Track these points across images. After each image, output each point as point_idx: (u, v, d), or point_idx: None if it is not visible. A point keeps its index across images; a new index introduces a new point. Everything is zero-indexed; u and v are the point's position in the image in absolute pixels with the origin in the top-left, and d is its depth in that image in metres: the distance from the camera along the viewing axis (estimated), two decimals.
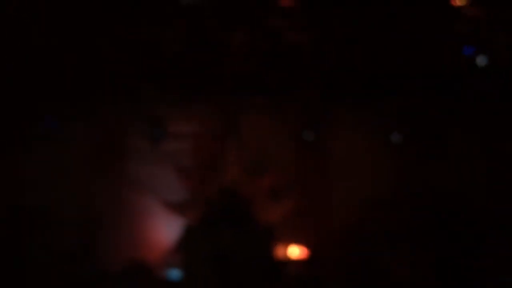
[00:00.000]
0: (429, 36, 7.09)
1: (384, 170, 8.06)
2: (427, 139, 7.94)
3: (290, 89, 7.73)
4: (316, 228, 7.91)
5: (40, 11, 7.15)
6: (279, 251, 7.56)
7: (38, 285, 7.68)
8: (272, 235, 7.45)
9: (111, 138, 8.15)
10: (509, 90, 7.50)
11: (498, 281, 7.30)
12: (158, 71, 7.74)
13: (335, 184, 8.11)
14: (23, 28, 7.20)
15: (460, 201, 7.95)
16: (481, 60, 6.89)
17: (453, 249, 7.65)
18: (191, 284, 7.35)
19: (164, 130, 7.90)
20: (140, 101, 7.90)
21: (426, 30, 7.06)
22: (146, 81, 7.79)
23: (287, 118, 7.99)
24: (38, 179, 8.03)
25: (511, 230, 7.56)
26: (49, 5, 7.05)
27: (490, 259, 7.47)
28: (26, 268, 7.79)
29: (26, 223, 7.95)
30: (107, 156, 8.10)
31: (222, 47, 7.55)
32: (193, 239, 7.43)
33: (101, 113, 8.07)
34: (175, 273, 7.64)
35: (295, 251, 7.82)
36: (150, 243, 7.89)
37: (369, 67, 7.45)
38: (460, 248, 7.62)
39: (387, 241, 7.83)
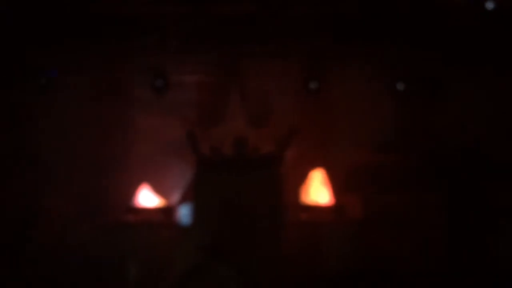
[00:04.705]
0: None
1: (389, 115, 8.09)
2: (430, 85, 7.94)
3: (294, 38, 7.67)
4: (323, 175, 7.96)
5: None
6: (285, 198, 7.58)
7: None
8: (279, 182, 7.47)
9: (115, 89, 8.14)
10: None
11: (506, 219, 7.43)
12: (159, 21, 7.69)
13: (340, 131, 8.13)
14: None
15: (464, 142, 7.99)
16: (489, 5, 6.93)
17: (461, 190, 7.71)
18: (200, 230, 7.41)
19: (167, 80, 7.87)
20: (142, 51, 7.85)
21: None
22: (147, 30, 7.73)
23: (291, 67, 7.95)
24: (44, 129, 8.09)
25: None
26: None
27: (498, 198, 7.56)
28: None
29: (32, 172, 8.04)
30: (112, 107, 8.11)
31: None
32: (201, 186, 7.45)
33: (105, 63, 8.04)
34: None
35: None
36: (157, 191, 7.96)
37: (374, 16, 7.41)
38: (468, 188, 7.69)
39: (393, 183, 7.90)
